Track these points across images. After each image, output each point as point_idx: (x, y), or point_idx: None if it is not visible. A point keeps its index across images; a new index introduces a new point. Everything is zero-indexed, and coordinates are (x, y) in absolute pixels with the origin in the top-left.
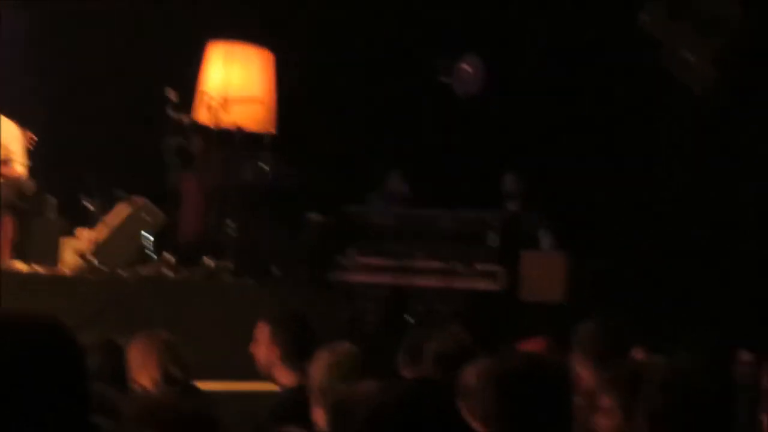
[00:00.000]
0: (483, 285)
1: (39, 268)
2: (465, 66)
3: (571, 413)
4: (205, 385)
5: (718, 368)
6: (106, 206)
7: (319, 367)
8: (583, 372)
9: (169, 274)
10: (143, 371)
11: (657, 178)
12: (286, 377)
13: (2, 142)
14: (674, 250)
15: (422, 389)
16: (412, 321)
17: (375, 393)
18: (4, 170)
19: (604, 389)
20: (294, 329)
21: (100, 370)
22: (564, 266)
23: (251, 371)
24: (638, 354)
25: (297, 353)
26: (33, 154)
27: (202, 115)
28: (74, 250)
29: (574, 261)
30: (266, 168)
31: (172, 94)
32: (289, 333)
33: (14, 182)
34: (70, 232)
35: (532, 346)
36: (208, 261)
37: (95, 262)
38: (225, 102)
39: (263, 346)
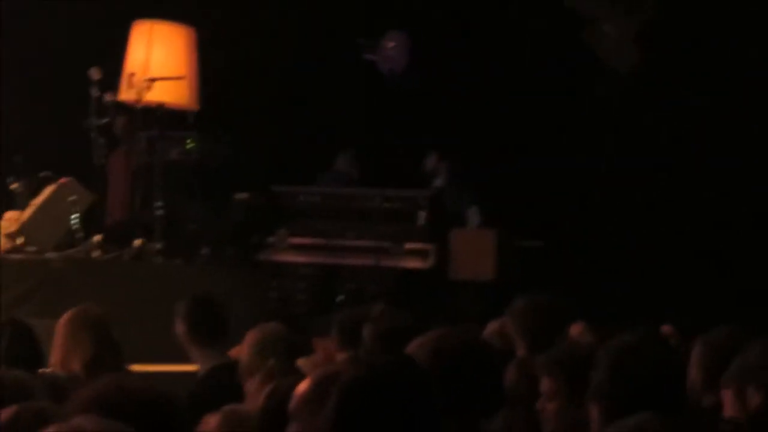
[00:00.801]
0: (412, 263)
1: None
2: (389, 43)
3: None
4: (135, 368)
5: (664, 345)
6: (33, 187)
7: (246, 346)
8: (520, 352)
9: (97, 254)
10: (73, 351)
11: (585, 156)
12: (199, 358)
13: None
14: (603, 228)
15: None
16: (341, 300)
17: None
18: None
19: (544, 372)
20: (203, 311)
21: (6, 351)
22: (493, 244)
23: (181, 353)
24: (575, 332)
25: (207, 334)
26: None
27: (126, 93)
28: (1, 232)
29: (503, 239)
30: (192, 146)
31: (96, 74)
32: (198, 314)
33: None
34: None
35: None
36: (136, 241)
37: (22, 243)
38: (149, 80)
39: (179, 328)
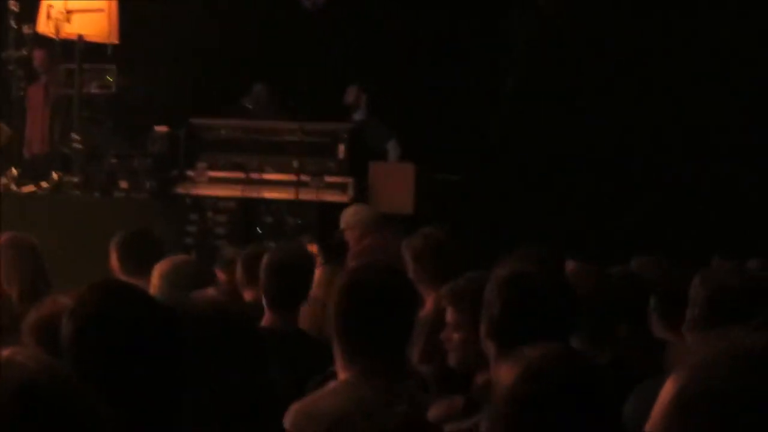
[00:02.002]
0: (332, 197)
1: None
2: None
3: (412, 323)
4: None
5: (558, 277)
6: None
7: (155, 277)
8: (422, 288)
9: (15, 188)
10: (12, 277)
11: (503, 91)
12: None
13: None
14: (520, 161)
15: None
16: (260, 233)
17: None
18: None
19: (448, 303)
20: (132, 244)
21: None
22: (413, 177)
23: None
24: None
25: (136, 266)
26: None
27: (45, 25)
28: None
29: (422, 172)
30: (112, 80)
31: (13, 5)
32: (127, 247)
33: None
34: None
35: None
36: (54, 174)
37: None
38: (67, 12)
39: (112, 260)
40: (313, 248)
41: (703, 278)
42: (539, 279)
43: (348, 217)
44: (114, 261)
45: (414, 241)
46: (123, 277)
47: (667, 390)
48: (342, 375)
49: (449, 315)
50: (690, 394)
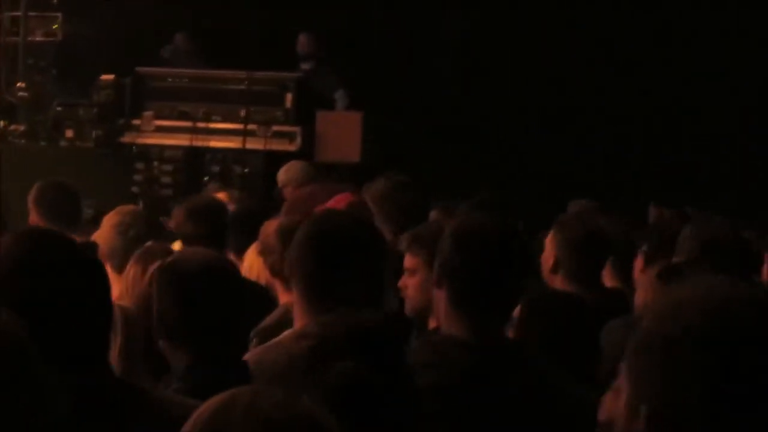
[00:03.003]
0: (279, 146)
1: None
2: None
3: (382, 274)
4: None
5: (509, 228)
6: None
7: (104, 228)
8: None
9: None
10: None
11: (450, 38)
12: None
13: None
14: (464, 108)
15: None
16: (207, 182)
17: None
18: None
19: (406, 248)
20: (51, 196)
21: None
22: (359, 126)
23: None
24: (436, 215)
25: (56, 218)
26: None
27: None
28: None
29: (369, 121)
30: (57, 27)
31: None
32: (47, 199)
33: None
34: None
35: (339, 201)
36: None
37: None
38: None
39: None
40: (223, 196)
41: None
42: (494, 229)
43: (281, 175)
44: (33, 215)
45: (376, 185)
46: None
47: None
48: (298, 324)
49: (407, 260)
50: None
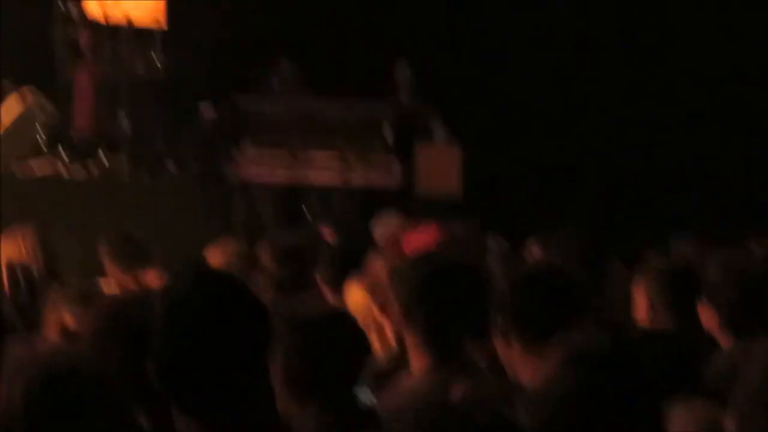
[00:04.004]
0: (378, 177)
1: None
2: None
3: (485, 311)
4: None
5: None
6: None
7: (209, 261)
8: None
9: (62, 170)
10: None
11: (550, 74)
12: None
13: None
14: (565, 149)
15: None
16: (307, 215)
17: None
18: None
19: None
20: (118, 244)
21: None
22: (459, 159)
23: None
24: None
25: (125, 264)
26: None
27: (92, 7)
28: None
29: (470, 154)
30: (157, 61)
31: None
32: (114, 245)
33: None
34: None
35: (425, 234)
36: (102, 156)
37: None
38: None
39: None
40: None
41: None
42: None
43: (376, 225)
44: (108, 262)
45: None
46: (117, 275)
47: None
48: (417, 365)
49: None
50: None
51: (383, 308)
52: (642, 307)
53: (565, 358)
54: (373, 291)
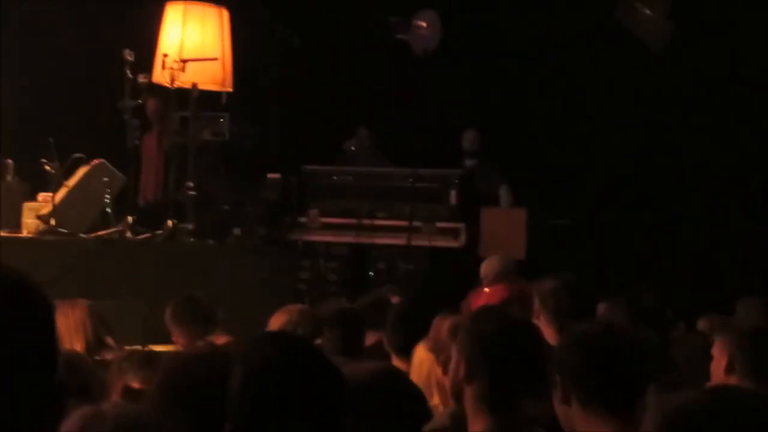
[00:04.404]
0: (444, 242)
1: None
2: (421, 23)
3: (544, 370)
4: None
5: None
6: (66, 169)
7: (272, 327)
8: (545, 328)
9: (129, 235)
10: (73, 338)
11: (616, 137)
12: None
13: None
14: (632, 208)
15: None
16: (373, 279)
17: None
18: None
19: None
20: (184, 309)
21: None
22: (524, 223)
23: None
24: (602, 310)
25: (192, 328)
26: None
27: (159, 75)
28: (34, 213)
29: (534, 217)
30: (224, 127)
31: (129, 55)
32: (179, 311)
33: None
34: (30, 196)
35: (494, 292)
36: (168, 222)
37: (55, 224)
38: (182, 62)
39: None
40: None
41: None
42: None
43: (481, 268)
44: (174, 326)
45: (545, 283)
46: (183, 340)
47: None
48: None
49: None
50: None
51: (446, 367)
52: (719, 368)
53: (666, 420)
54: (438, 350)
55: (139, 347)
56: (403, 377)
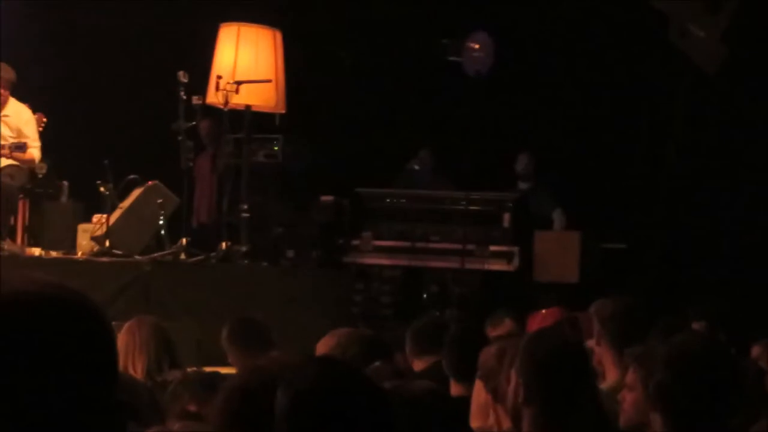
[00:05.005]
0: (497, 266)
1: (54, 253)
2: (474, 45)
3: (595, 390)
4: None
5: (722, 348)
6: (121, 190)
7: (320, 351)
8: (605, 352)
9: (184, 257)
10: (135, 357)
11: (669, 159)
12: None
13: (16, 126)
14: (685, 230)
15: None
16: (426, 302)
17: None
18: (18, 154)
19: (630, 364)
20: (241, 330)
21: None
22: (578, 246)
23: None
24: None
25: (248, 349)
26: (46, 138)
27: (213, 96)
28: (89, 234)
29: (587, 241)
30: (278, 149)
31: (183, 77)
32: (235, 332)
33: (28, 166)
34: (84, 217)
35: (549, 315)
36: (222, 243)
37: (110, 246)
38: (236, 83)
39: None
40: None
41: None
42: (707, 354)
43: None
44: (230, 347)
45: (603, 304)
46: (239, 362)
47: None
48: None
49: (629, 375)
50: None
51: (495, 393)
52: None
53: None
54: (485, 376)
55: (194, 369)
56: (445, 398)
